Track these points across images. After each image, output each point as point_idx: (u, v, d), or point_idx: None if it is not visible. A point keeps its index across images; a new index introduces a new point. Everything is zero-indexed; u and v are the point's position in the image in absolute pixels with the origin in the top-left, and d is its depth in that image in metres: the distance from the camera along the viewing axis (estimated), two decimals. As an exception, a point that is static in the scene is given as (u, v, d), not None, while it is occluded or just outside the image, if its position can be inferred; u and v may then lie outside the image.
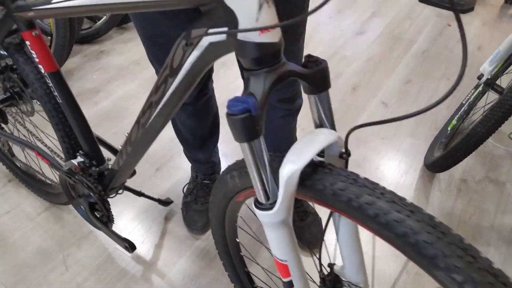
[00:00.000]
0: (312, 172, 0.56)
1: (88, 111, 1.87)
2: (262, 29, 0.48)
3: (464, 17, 2.58)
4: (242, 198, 0.71)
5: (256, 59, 0.50)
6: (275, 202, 0.56)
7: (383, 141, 1.65)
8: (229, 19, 0.49)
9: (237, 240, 0.92)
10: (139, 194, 1.29)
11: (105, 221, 1.03)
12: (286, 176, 0.53)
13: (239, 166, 0.64)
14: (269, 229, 0.58)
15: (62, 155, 1.13)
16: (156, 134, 0.77)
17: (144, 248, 1.31)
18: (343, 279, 0.78)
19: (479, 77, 1.45)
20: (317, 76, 0.56)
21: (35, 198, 1.47)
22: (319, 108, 0.59)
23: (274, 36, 0.50)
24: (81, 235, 1.34)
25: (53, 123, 1.01)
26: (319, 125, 0.61)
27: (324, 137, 0.57)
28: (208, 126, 1.27)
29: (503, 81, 1.37)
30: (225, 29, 0.50)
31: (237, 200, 0.73)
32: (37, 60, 0.87)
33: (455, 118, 1.59)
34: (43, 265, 1.27)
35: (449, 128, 1.59)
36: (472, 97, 1.54)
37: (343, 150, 0.60)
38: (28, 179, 1.45)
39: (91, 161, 1.01)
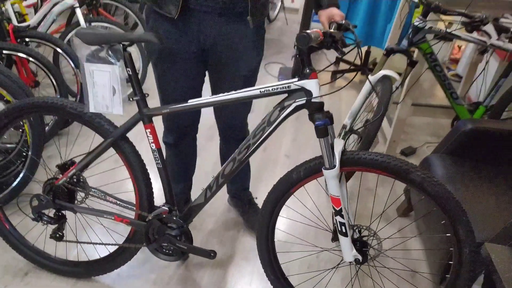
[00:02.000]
0: (343, 153, 1.35)
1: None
2: (322, 96, 1.30)
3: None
4: (296, 189, 1.42)
5: (318, 108, 1.31)
6: (334, 166, 1.31)
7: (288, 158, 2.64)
8: (307, 93, 1.29)
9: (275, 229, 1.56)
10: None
11: (189, 242, 1.52)
12: (337, 152, 1.31)
13: (304, 163, 1.38)
14: (330, 180, 1.32)
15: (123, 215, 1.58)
16: (242, 165, 1.43)
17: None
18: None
19: (344, 127, 2.47)
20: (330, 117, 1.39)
21: (60, 278, 1.74)
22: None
23: (323, 98, 1.32)
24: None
25: (141, 187, 1.51)
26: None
27: (340, 141, 1.38)
28: (185, 164, 1.95)
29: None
30: (305, 98, 1.30)
31: (291, 191, 1.43)
32: (152, 141, 1.44)
33: None
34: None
35: None
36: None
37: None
38: (65, 267, 1.72)
39: (173, 206, 1.53)
